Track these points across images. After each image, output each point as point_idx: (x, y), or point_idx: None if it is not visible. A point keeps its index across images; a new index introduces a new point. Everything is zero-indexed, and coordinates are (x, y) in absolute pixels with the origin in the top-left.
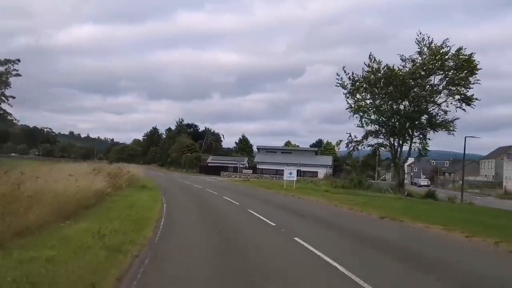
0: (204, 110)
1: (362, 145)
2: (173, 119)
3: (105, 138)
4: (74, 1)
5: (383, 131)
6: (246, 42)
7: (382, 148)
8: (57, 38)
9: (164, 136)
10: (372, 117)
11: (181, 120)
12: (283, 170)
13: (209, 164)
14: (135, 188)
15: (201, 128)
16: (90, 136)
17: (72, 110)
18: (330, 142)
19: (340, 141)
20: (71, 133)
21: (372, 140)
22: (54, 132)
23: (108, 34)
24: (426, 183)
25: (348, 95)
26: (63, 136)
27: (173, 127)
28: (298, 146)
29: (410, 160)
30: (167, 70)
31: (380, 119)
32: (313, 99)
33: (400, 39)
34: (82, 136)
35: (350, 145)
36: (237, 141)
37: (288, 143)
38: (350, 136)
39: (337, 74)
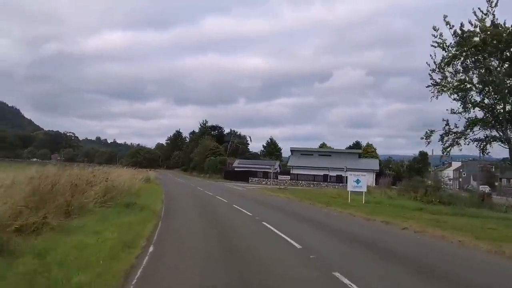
0: (229, 114)
1: (465, 139)
2: (198, 124)
3: (131, 143)
4: (104, 8)
5: (494, 118)
6: (273, 46)
7: (497, 143)
8: (86, 44)
9: (188, 140)
10: (477, 98)
11: (205, 122)
12: (321, 175)
13: (235, 169)
14: (111, 211)
15: (226, 130)
16: (117, 141)
17: (99, 116)
18: (371, 144)
19: (431, 131)
20: (98, 138)
21: (478, 133)
22: (77, 137)
23: (136, 40)
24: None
25: (443, 65)
26: (90, 142)
27: (197, 131)
28: (332, 148)
29: (456, 164)
30: (194, 75)
31: (492, 101)
32: (340, 103)
33: (430, 41)
34: (109, 141)
35: (447, 138)
36: (265, 145)
37: (323, 145)
38: (448, 125)
39: (434, 29)
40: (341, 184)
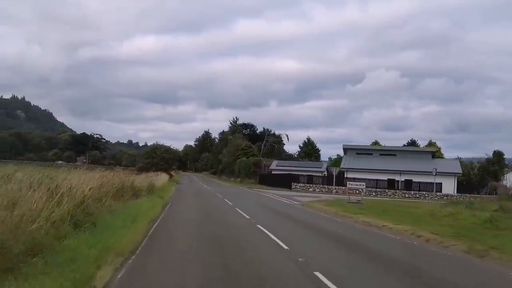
0: (260, 117)
1: None
2: (228, 122)
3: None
4: (138, 13)
5: None
6: (305, 48)
7: None
8: (120, 49)
9: (217, 140)
10: None
11: (235, 119)
12: (385, 180)
13: (272, 172)
14: None
15: (259, 129)
16: (148, 144)
17: (132, 120)
18: (434, 143)
19: None
20: (129, 141)
21: None
22: (104, 139)
23: (168, 45)
24: None
25: None
26: (121, 145)
27: (227, 130)
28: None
29: None
30: (225, 78)
31: None
32: (373, 106)
33: (468, 42)
34: (140, 144)
35: None
36: (301, 145)
37: (375, 143)
38: None
39: None
40: (413, 193)
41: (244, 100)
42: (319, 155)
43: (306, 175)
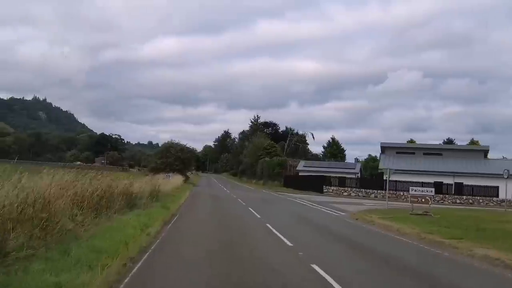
0: (280, 119)
1: None
2: (249, 121)
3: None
4: (159, 15)
5: None
6: (326, 49)
7: None
8: (142, 51)
9: (237, 140)
10: None
11: (256, 118)
12: (431, 183)
13: (299, 173)
14: None
15: (282, 128)
16: None
17: (152, 121)
18: (477, 141)
19: None
20: (150, 142)
21: None
22: (123, 139)
23: (189, 46)
24: None
25: None
26: (141, 146)
27: (248, 129)
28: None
29: None
30: (246, 79)
31: None
32: (394, 106)
33: (492, 41)
34: (160, 145)
35: None
36: (325, 145)
37: (411, 141)
38: None
39: None
40: (466, 198)
41: (264, 101)
42: (344, 156)
43: (337, 177)
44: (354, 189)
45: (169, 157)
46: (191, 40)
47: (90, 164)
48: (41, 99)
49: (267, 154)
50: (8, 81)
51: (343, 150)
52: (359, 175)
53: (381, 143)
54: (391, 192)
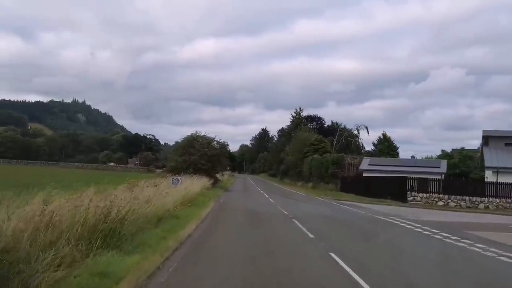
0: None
1: None
2: (290, 115)
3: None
4: (198, 17)
5: None
6: (366, 47)
7: None
8: (181, 53)
9: (276, 138)
10: None
11: (299, 111)
12: None
13: (363, 174)
14: None
15: (327, 122)
16: None
17: (190, 122)
18: None
19: None
20: None
21: None
22: (158, 140)
23: (227, 47)
24: None
25: None
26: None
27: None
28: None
29: None
30: (284, 79)
31: None
32: (436, 105)
33: None
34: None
35: None
36: (376, 142)
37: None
38: None
39: None
40: None
41: (301, 101)
42: (397, 154)
43: (416, 179)
44: (452, 196)
45: (192, 154)
46: (229, 41)
47: (124, 166)
48: (80, 102)
49: (315, 151)
50: (49, 85)
51: (396, 148)
52: (442, 176)
53: (484, 130)
54: (493, 197)
